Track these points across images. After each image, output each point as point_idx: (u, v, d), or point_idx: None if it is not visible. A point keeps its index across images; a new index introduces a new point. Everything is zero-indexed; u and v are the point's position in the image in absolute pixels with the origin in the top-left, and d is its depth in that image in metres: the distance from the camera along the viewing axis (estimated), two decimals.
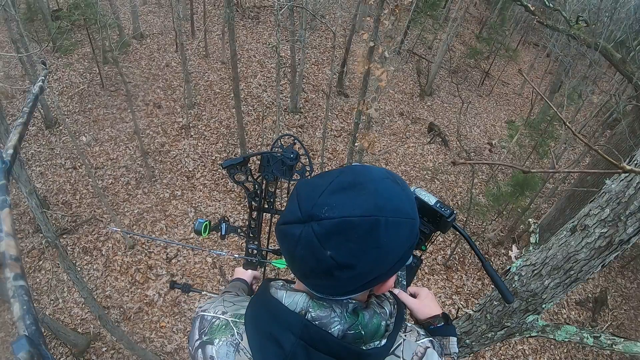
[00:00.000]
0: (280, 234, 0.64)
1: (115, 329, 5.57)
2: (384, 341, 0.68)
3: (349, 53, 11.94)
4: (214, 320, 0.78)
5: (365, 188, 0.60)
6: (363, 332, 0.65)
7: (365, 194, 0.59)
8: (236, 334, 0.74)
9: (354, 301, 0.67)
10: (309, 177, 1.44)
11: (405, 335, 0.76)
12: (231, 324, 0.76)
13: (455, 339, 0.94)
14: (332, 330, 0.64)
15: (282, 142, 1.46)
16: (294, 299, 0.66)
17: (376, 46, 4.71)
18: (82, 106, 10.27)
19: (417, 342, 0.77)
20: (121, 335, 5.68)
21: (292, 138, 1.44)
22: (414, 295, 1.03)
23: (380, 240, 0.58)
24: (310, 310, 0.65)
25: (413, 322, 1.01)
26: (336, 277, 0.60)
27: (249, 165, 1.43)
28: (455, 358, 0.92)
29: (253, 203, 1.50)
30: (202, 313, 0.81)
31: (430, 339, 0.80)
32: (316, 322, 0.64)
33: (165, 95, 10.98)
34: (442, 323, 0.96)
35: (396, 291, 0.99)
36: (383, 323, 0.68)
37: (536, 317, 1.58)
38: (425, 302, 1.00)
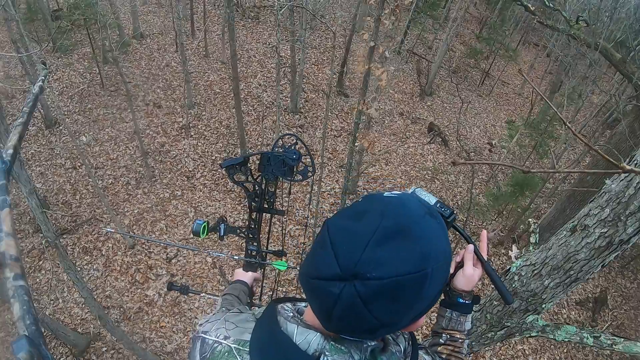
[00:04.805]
0: (311, 288, 0.58)
1: (115, 329, 5.58)
2: None
3: (349, 53, 11.93)
4: (215, 345, 0.73)
5: (410, 234, 0.55)
6: None
7: (412, 242, 0.55)
8: None
9: (372, 343, 0.64)
10: (311, 176, 1.43)
11: None
12: (234, 351, 0.71)
13: (470, 316, 0.97)
14: None
15: (283, 142, 1.45)
16: (307, 337, 0.62)
17: (376, 46, 4.70)
18: (82, 106, 10.27)
19: None
20: (121, 335, 5.68)
21: (294, 138, 1.43)
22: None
23: (424, 293, 0.56)
24: (326, 353, 0.60)
25: (447, 283, 0.97)
26: (375, 333, 0.58)
27: (249, 165, 1.42)
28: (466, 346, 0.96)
29: (253, 203, 1.50)
30: (202, 335, 0.77)
31: None
32: None
33: (165, 95, 10.98)
34: (470, 301, 0.95)
35: (471, 248, 0.96)
36: None
37: (536, 317, 1.58)
38: (474, 277, 0.96)
